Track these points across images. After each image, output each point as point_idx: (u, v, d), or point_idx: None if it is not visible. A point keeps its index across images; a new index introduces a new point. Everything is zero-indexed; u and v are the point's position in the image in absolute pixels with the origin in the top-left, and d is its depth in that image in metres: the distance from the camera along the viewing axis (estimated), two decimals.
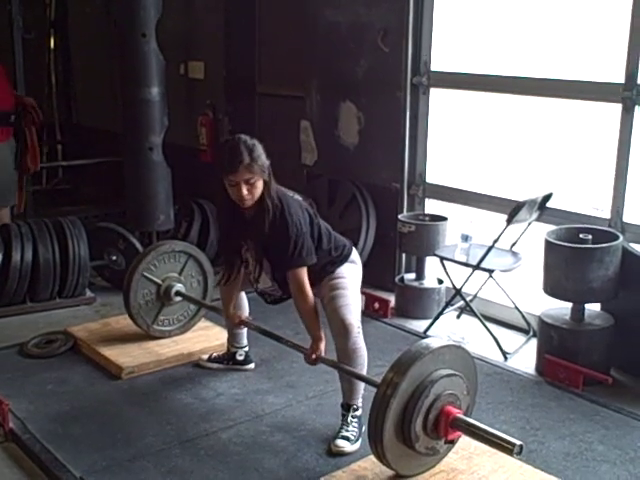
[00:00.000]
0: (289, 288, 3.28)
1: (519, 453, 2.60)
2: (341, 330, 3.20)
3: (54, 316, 4.69)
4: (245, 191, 3.11)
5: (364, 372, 3.23)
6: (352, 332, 3.19)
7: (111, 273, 5.20)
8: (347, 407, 3.28)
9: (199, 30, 6.26)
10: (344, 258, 3.36)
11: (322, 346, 3.24)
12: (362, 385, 3.24)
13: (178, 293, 4.12)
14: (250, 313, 3.81)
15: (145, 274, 4.05)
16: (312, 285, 3.23)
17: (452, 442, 2.82)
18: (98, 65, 7.27)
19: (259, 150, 3.14)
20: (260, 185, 3.14)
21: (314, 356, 3.23)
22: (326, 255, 3.29)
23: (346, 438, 3.22)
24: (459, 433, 2.77)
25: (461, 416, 2.73)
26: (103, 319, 4.53)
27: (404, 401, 2.67)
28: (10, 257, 4.56)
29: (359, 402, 3.28)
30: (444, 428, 2.73)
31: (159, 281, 4.10)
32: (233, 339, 3.92)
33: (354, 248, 3.45)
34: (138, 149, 4.99)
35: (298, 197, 3.30)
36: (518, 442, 2.59)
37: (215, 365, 3.95)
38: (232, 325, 3.77)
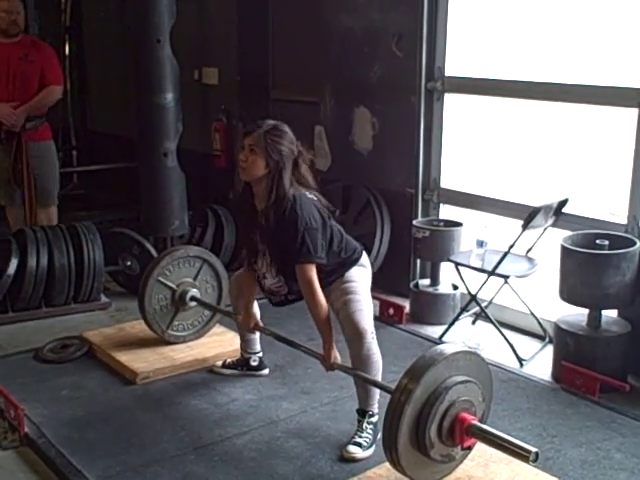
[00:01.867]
0: (294, 285, 3.27)
1: (535, 460, 2.57)
2: (355, 336, 3.18)
3: (69, 321, 4.70)
4: (243, 156, 3.14)
5: (379, 378, 3.22)
6: (366, 338, 3.17)
7: (126, 278, 5.22)
8: (363, 413, 3.27)
9: (213, 36, 6.28)
10: (354, 261, 3.33)
11: (334, 352, 3.23)
12: (378, 391, 3.22)
13: (193, 298, 4.12)
14: (263, 319, 3.79)
15: (160, 279, 4.06)
16: (322, 288, 3.22)
17: (469, 448, 2.79)
18: (113, 71, 7.30)
19: (281, 135, 3.16)
20: (259, 162, 3.13)
21: (331, 362, 3.22)
22: (336, 257, 3.27)
23: (358, 444, 3.20)
24: (474, 440, 2.75)
25: (476, 423, 2.71)
26: (118, 324, 4.54)
27: (418, 408, 2.66)
28: (26, 262, 4.58)
29: (375, 408, 3.26)
30: (459, 435, 2.71)
31: (174, 286, 4.10)
32: (246, 345, 3.91)
33: (364, 252, 3.43)
34: (153, 154, 5.00)
35: (313, 196, 3.28)
36: (534, 449, 2.56)
37: (229, 371, 3.94)
38: (245, 330, 3.76)
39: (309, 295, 3.19)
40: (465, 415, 2.70)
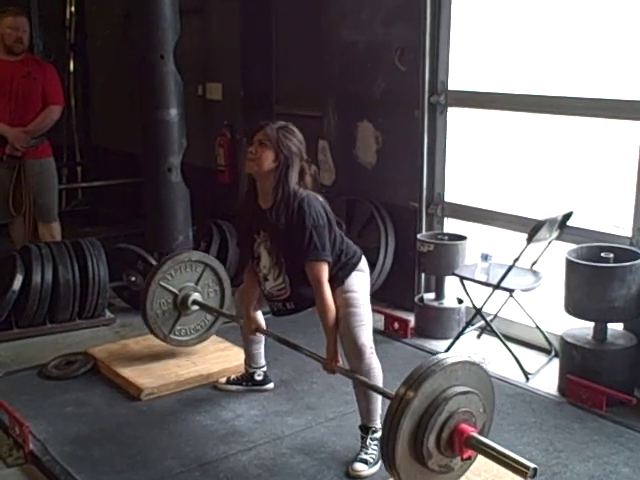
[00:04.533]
0: (297, 289, 3.26)
1: (533, 477, 2.49)
2: (354, 352, 3.18)
3: (74, 337, 4.70)
4: (252, 149, 3.15)
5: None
6: (365, 353, 3.17)
7: (130, 294, 5.21)
8: (366, 429, 3.25)
9: (217, 51, 6.30)
10: (353, 265, 3.31)
11: (337, 354, 3.19)
12: (379, 405, 3.21)
13: (195, 302, 4.10)
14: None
15: (162, 283, 4.05)
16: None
17: (469, 459, 2.72)
18: (117, 87, 7.33)
19: (291, 133, 3.19)
20: (269, 156, 3.13)
21: (334, 364, 3.18)
22: (336, 259, 3.24)
23: (364, 461, 3.19)
24: (474, 452, 2.69)
25: (475, 435, 2.64)
26: (122, 340, 4.53)
27: (417, 417, 2.60)
28: (30, 278, 4.58)
29: (378, 424, 3.23)
30: (458, 447, 2.64)
31: (176, 290, 4.09)
32: (250, 360, 3.89)
33: (363, 257, 3.40)
34: (157, 170, 5.01)
35: (320, 198, 3.26)
36: (532, 465, 2.49)
37: (234, 387, 3.93)
38: (248, 333, 3.70)
39: (319, 294, 3.16)
40: (465, 427, 2.64)
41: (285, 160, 3.15)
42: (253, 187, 3.30)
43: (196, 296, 4.12)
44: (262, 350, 3.87)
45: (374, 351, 3.22)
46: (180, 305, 4.11)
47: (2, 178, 5.08)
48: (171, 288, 4.08)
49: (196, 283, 4.15)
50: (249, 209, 3.34)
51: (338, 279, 3.27)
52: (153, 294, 4.03)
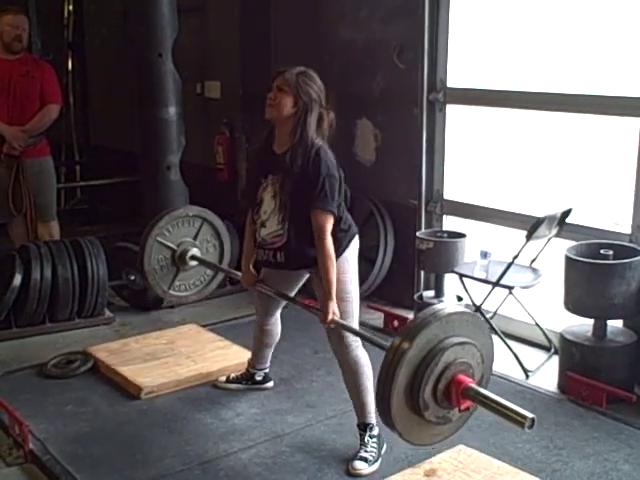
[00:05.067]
0: (295, 239, 3.16)
1: (531, 427, 2.45)
2: (340, 347, 3.21)
3: (73, 336, 4.69)
4: (272, 95, 3.15)
5: (371, 383, 3.19)
6: (351, 346, 3.20)
7: (129, 293, 5.21)
8: (363, 427, 3.25)
9: (215, 49, 6.29)
10: (349, 239, 3.23)
11: (334, 306, 3.10)
12: (372, 399, 3.19)
13: (194, 257, 4.06)
14: None
15: (159, 239, 4.01)
16: (315, 265, 3.15)
17: (467, 410, 2.65)
18: (115, 85, 7.32)
19: (311, 79, 3.17)
20: (288, 104, 3.12)
21: (330, 317, 3.09)
22: (335, 224, 3.16)
23: (364, 459, 3.19)
24: (472, 403, 2.62)
25: (473, 385, 2.58)
26: (122, 339, 4.53)
27: (413, 368, 2.55)
28: (30, 277, 4.58)
29: (373, 419, 3.24)
30: (455, 397, 2.58)
31: (174, 246, 4.05)
32: (257, 361, 3.87)
33: (357, 236, 3.30)
34: (156, 168, 5.01)
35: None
36: (530, 415, 2.45)
37: (234, 386, 3.93)
38: (247, 287, 3.62)
39: (321, 243, 3.08)
40: (462, 377, 2.58)
41: (304, 106, 3.13)
42: (270, 133, 3.28)
43: (194, 251, 4.07)
44: (271, 351, 3.86)
45: (360, 344, 3.22)
46: (178, 260, 4.06)
47: (1, 178, 5.08)
48: (169, 244, 4.04)
49: (194, 238, 4.10)
50: (263, 154, 3.31)
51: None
52: (151, 250, 3.98)
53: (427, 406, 2.56)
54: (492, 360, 2.78)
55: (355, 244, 3.28)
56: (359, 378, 3.20)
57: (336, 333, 3.18)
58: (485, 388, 2.63)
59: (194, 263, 4.09)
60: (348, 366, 3.21)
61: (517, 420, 2.47)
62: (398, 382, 2.51)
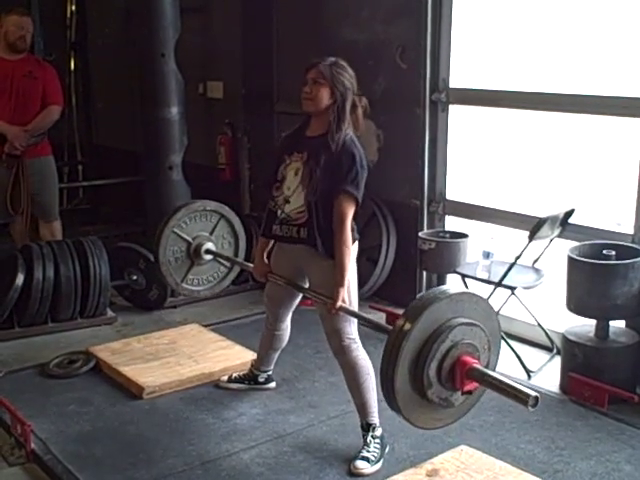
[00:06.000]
0: (316, 218, 3.15)
1: (534, 405, 2.42)
2: (338, 350, 3.23)
3: (75, 336, 4.70)
4: (308, 88, 3.16)
5: (372, 381, 3.21)
6: (350, 347, 3.21)
7: (132, 293, 5.22)
8: (366, 427, 3.25)
9: (217, 50, 6.29)
10: (352, 240, 3.21)
11: (343, 293, 3.10)
12: (374, 398, 3.21)
13: (209, 251, 4.06)
14: None
15: (175, 230, 4.01)
16: (320, 259, 3.17)
17: (470, 393, 2.63)
18: (118, 85, 7.32)
19: (343, 69, 3.18)
20: (324, 93, 3.14)
21: (339, 304, 3.09)
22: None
23: (366, 459, 3.19)
24: (475, 385, 2.60)
25: (478, 366, 2.56)
26: (124, 339, 4.53)
27: (419, 344, 2.53)
28: (32, 277, 4.58)
29: (375, 419, 3.25)
30: (460, 378, 2.56)
31: (189, 239, 4.05)
32: (261, 363, 3.86)
33: (357, 242, 3.29)
34: (158, 168, 5.02)
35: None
36: (533, 393, 2.43)
37: (236, 385, 3.93)
38: (259, 277, 3.60)
39: (340, 228, 3.10)
40: (467, 358, 2.56)
41: (341, 96, 3.15)
42: (305, 122, 3.30)
43: (209, 245, 4.07)
44: (277, 355, 3.85)
45: (359, 345, 3.24)
46: (193, 254, 4.06)
47: (1, 177, 5.08)
48: (185, 236, 4.04)
49: (210, 233, 4.10)
50: (293, 137, 3.33)
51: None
52: (166, 241, 3.99)
53: (431, 384, 2.54)
54: (499, 348, 2.75)
55: (354, 248, 3.27)
56: (360, 378, 3.20)
57: (335, 336, 3.19)
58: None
59: (209, 257, 4.09)
60: (349, 367, 3.22)
61: (521, 399, 2.45)
62: (402, 357, 2.49)
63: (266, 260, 3.52)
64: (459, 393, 2.60)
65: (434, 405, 2.61)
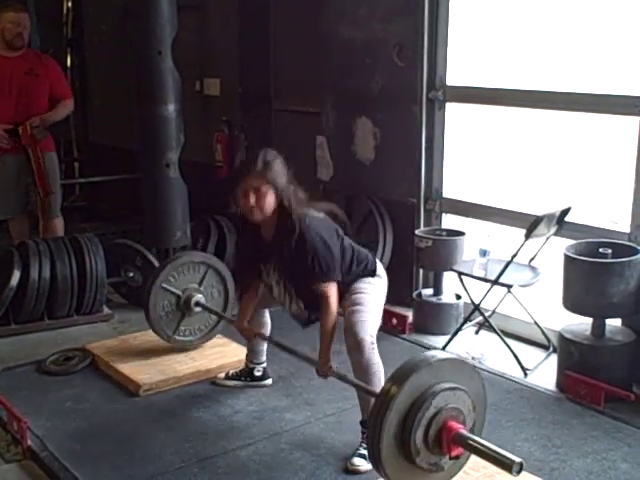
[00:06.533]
0: (314, 310, 3.29)
1: (519, 472, 2.45)
2: (353, 346, 3.20)
3: (72, 333, 4.69)
4: (252, 200, 3.12)
5: (381, 382, 3.18)
6: (365, 348, 3.18)
7: (128, 290, 5.21)
8: (366, 424, 3.25)
9: (214, 47, 6.29)
10: (368, 273, 3.36)
11: (329, 359, 3.22)
12: None
13: (198, 304, 4.12)
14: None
15: (164, 285, 4.05)
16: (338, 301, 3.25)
17: (457, 457, 2.66)
18: (114, 83, 7.32)
19: (277, 165, 3.16)
20: (270, 198, 3.14)
21: (325, 369, 3.21)
22: (347, 270, 3.28)
23: (363, 456, 3.18)
24: (462, 450, 2.63)
25: (463, 432, 2.59)
26: (121, 336, 4.53)
27: (403, 412, 2.55)
28: (28, 274, 4.58)
29: None
30: (446, 444, 2.59)
31: (179, 292, 4.10)
32: (252, 356, 3.90)
33: (378, 261, 3.44)
34: (155, 166, 5.00)
35: (322, 215, 3.27)
36: (518, 459, 2.45)
37: (232, 383, 3.93)
38: (247, 339, 3.77)
39: (325, 305, 3.20)
40: (453, 423, 2.59)
41: (281, 194, 3.17)
42: (254, 224, 3.30)
43: (199, 297, 4.12)
44: (265, 347, 3.89)
45: (375, 347, 3.22)
46: (183, 306, 4.12)
47: (9, 172, 5.06)
48: (174, 290, 4.09)
49: (199, 284, 4.15)
50: (254, 241, 3.38)
51: (350, 285, 3.32)
52: (155, 297, 4.04)
53: (419, 451, 2.57)
54: (484, 408, 2.79)
55: (380, 270, 3.40)
56: (371, 378, 3.19)
57: (353, 336, 3.19)
58: (478, 435, 2.64)
59: (199, 309, 4.14)
60: (360, 366, 3.20)
61: (506, 464, 2.47)
62: (388, 425, 2.52)
63: (247, 325, 3.64)
64: (447, 457, 2.63)
65: (424, 471, 2.63)
